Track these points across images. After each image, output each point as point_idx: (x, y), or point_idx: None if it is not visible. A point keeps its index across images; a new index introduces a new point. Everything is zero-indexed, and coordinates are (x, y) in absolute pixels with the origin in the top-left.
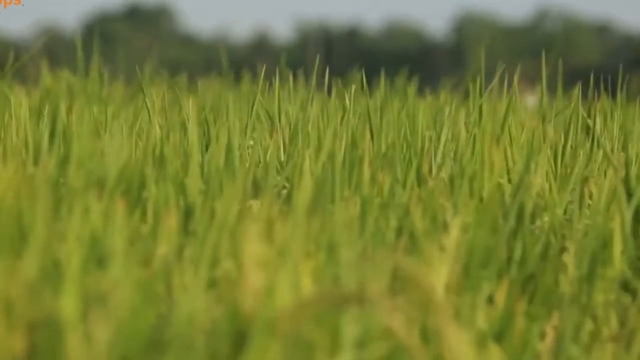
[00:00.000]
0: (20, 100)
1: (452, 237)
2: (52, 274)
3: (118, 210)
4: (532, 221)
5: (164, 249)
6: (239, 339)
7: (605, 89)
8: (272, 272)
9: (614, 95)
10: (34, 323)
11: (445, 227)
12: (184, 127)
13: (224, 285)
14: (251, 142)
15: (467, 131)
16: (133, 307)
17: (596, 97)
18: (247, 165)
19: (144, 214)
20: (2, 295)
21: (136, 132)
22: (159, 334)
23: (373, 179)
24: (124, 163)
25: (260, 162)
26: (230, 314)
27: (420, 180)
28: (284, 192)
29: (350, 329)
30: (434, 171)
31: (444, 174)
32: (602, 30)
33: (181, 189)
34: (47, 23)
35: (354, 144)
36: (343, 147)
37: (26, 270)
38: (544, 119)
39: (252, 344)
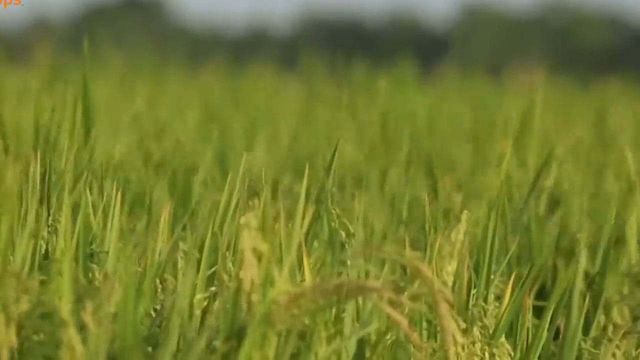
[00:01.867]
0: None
1: (462, 231)
2: (45, 267)
3: (115, 204)
4: (546, 214)
5: (159, 243)
6: (237, 331)
7: (616, 80)
8: (271, 264)
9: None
10: (27, 316)
11: (456, 220)
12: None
13: (222, 277)
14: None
15: (480, 124)
16: (127, 301)
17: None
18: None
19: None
20: None
21: (129, 124)
22: (156, 328)
23: (382, 172)
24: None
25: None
26: (229, 306)
27: (431, 174)
28: (287, 184)
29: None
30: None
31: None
32: (611, 23)
33: (175, 181)
34: (42, 14)
35: (360, 136)
36: (350, 139)
37: (18, 263)
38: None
39: (249, 336)
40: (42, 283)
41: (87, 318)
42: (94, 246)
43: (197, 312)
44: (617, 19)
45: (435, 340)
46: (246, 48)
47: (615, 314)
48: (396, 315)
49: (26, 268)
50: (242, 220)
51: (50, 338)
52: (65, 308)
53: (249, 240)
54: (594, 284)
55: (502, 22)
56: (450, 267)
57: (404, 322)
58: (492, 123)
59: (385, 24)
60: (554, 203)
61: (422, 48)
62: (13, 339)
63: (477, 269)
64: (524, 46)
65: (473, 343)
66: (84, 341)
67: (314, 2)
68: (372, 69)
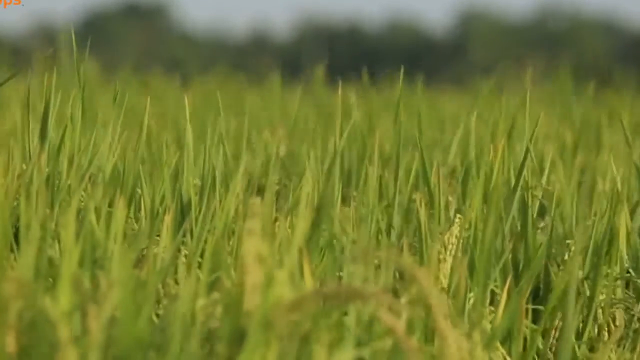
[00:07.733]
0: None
1: (456, 235)
2: (47, 272)
3: (117, 210)
4: (538, 219)
5: (160, 247)
6: (238, 335)
7: (612, 85)
8: (272, 269)
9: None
10: (27, 322)
11: (449, 225)
12: (178, 124)
13: (223, 282)
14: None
15: (475, 128)
16: (129, 307)
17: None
18: (247, 162)
19: (138, 210)
20: None
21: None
22: (157, 333)
23: (379, 177)
24: (118, 159)
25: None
26: (230, 311)
27: (425, 179)
28: (285, 189)
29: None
30: (441, 169)
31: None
32: (609, 28)
33: (177, 186)
34: (43, 19)
35: (359, 142)
36: (346, 145)
37: (21, 269)
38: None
39: (250, 340)
40: (47, 289)
41: (89, 322)
42: (98, 252)
43: (199, 317)
44: (615, 24)
45: (433, 346)
46: (248, 51)
47: (608, 318)
48: (392, 321)
49: (31, 274)
50: (245, 226)
51: (46, 343)
52: (58, 312)
53: (252, 245)
54: (586, 288)
55: (501, 26)
56: (446, 272)
57: (399, 327)
58: (490, 127)
59: (385, 29)
60: (545, 205)
61: (421, 53)
62: (12, 345)
63: (472, 272)
64: (522, 50)
65: (471, 348)
66: (81, 345)
67: (313, 8)
68: (373, 74)
